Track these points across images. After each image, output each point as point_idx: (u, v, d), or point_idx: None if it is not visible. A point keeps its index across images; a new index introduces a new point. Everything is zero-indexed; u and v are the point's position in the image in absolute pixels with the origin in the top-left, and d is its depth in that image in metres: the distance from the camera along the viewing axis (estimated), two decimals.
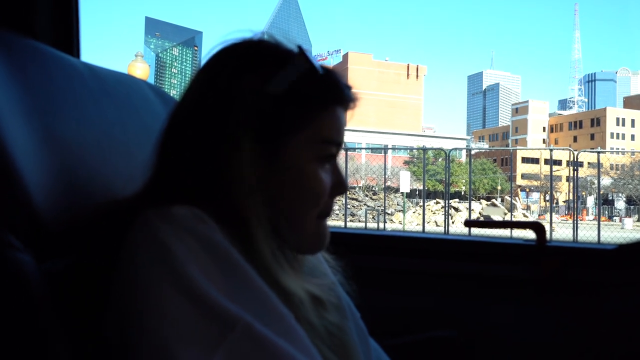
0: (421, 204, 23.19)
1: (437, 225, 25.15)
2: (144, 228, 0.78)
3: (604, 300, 1.60)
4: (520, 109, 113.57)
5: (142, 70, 12.72)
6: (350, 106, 0.95)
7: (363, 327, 1.10)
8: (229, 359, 0.68)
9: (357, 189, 31.19)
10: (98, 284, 0.81)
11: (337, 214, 25.92)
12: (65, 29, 1.51)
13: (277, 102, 0.85)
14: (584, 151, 17.70)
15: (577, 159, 14.90)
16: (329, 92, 0.90)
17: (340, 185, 0.94)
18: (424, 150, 22.67)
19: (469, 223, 1.71)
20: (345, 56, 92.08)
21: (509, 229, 14.47)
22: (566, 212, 36.52)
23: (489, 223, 1.66)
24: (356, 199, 28.74)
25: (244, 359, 0.69)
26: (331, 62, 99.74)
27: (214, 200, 0.83)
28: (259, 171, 0.84)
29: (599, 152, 15.66)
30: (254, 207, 0.83)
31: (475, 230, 13.84)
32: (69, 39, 1.51)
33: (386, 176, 24.98)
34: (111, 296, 0.78)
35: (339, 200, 27.16)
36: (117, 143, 1.04)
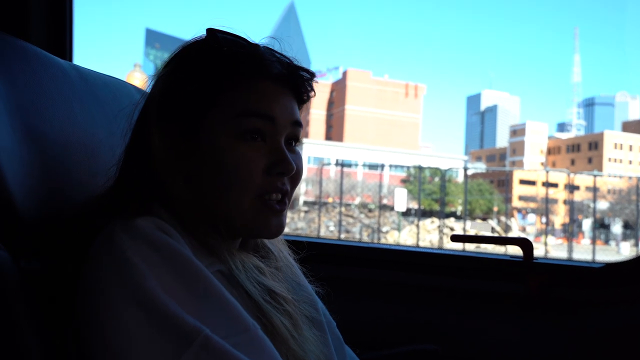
0: (416, 222, 23.15)
1: (431, 245, 25.08)
2: (108, 240, 0.78)
3: (590, 318, 1.60)
4: (518, 131, 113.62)
5: (139, 81, 12.81)
6: (283, 81, 0.93)
7: (339, 335, 1.10)
8: None
9: (353, 206, 31.12)
10: (68, 287, 0.82)
11: (332, 231, 25.86)
12: (58, 33, 1.53)
13: (179, 85, 0.89)
14: (580, 173, 17.75)
15: (573, 182, 14.94)
16: (244, 66, 0.90)
17: (278, 163, 0.90)
18: (420, 169, 22.70)
19: (455, 238, 1.71)
20: (345, 73, 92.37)
21: (503, 247, 14.43)
22: (562, 234, 36.43)
23: (475, 238, 1.65)
24: (351, 216, 28.66)
25: None
26: (330, 78, 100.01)
27: (157, 191, 0.86)
28: (178, 152, 0.88)
29: (595, 175, 15.69)
30: (178, 189, 0.86)
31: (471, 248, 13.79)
32: (62, 43, 1.53)
33: (382, 194, 24.97)
34: (76, 303, 0.79)
35: (334, 217, 27.07)
36: (102, 144, 1.05)
